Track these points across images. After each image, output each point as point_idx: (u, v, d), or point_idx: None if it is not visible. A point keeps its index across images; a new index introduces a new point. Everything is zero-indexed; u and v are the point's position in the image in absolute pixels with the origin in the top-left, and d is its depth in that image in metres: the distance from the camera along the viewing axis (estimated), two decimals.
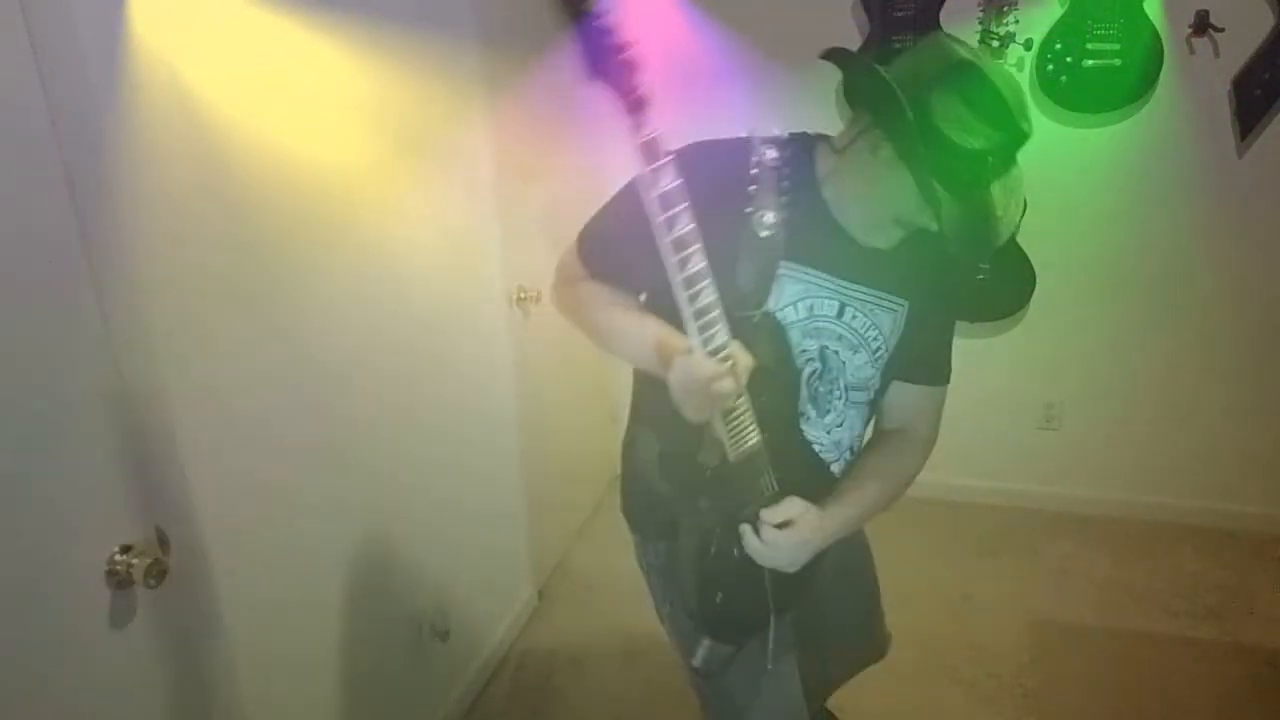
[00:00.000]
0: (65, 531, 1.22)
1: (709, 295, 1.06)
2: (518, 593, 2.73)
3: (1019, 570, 2.95)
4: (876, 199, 1.20)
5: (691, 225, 1.02)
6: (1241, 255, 2.88)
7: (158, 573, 1.29)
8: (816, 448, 1.34)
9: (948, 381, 1.42)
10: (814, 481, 1.32)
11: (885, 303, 1.31)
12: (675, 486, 1.34)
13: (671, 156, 1.00)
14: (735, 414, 1.16)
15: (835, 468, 1.37)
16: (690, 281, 1.04)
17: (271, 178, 1.53)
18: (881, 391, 1.39)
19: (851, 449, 1.39)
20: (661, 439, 1.38)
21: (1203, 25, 2.63)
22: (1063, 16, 2.69)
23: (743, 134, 1.25)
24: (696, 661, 1.38)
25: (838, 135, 1.26)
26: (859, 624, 1.70)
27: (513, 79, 2.42)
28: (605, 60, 0.95)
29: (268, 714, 1.62)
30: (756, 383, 1.15)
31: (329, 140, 1.67)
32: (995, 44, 2.68)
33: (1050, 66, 2.72)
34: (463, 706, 2.36)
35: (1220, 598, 2.79)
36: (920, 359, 1.38)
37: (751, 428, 1.20)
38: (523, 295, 2.52)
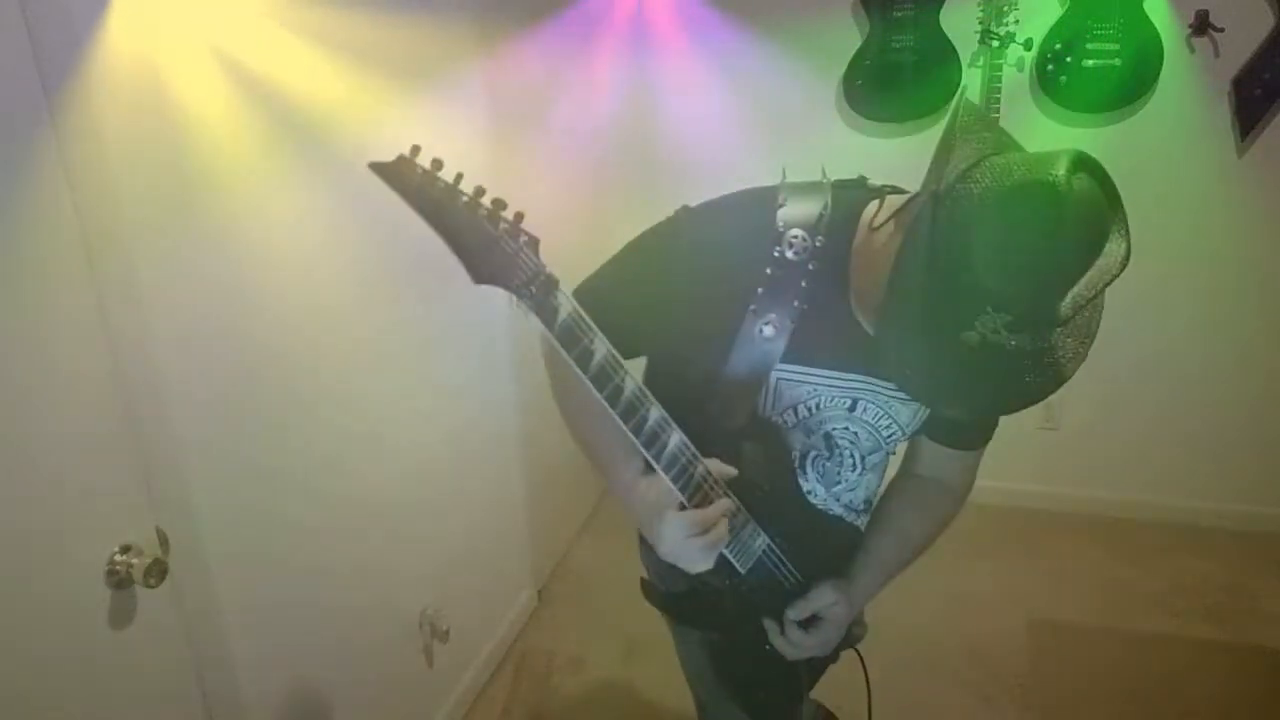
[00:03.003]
0: (65, 531, 1.22)
1: (673, 442, 0.98)
2: (518, 593, 2.73)
3: (1019, 570, 2.95)
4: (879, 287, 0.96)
5: (634, 385, 0.93)
6: (1241, 255, 2.88)
7: (158, 573, 1.29)
8: (832, 514, 1.24)
9: (988, 441, 1.25)
10: (836, 542, 1.25)
11: (904, 397, 1.14)
12: (695, 620, 1.30)
13: (596, 334, 0.90)
14: (733, 529, 1.09)
15: (857, 522, 1.28)
16: (649, 441, 0.96)
17: (270, 176, 1.53)
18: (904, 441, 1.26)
19: (868, 501, 1.28)
20: (659, 579, 1.33)
21: (1203, 25, 2.63)
22: (1063, 16, 2.69)
23: (772, 184, 1.08)
24: None
25: (883, 210, 1.02)
26: (846, 645, 1.66)
27: (510, 70, 2.42)
28: (497, 253, 0.84)
29: (267, 714, 1.62)
30: (745, 481, 1.08)
31: (328, 138, 1.67)
32: (995, 44, 2.68)
33: (1050, 66, 2.72)
34: (463, 706, 2.36)
35: (1220, 598, 2.78)
36: (957, 429, 1.23)
37: (754, 534, 1.13)
38: None
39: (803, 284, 1.03)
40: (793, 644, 1.20)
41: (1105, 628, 2.66)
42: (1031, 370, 0.88)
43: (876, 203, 1.04)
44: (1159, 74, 2.67)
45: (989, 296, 0.83)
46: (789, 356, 1.07)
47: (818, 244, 1.03)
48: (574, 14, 2.76)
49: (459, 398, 2.25)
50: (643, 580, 1.34)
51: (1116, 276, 0.86)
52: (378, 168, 0.81)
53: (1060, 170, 0.81)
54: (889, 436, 1.19)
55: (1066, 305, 0.83)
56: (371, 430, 1.88)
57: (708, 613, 1.26)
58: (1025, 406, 0.92)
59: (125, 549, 1.30)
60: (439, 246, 0.89)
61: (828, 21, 2.95)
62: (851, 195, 1.08)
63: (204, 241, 1.39)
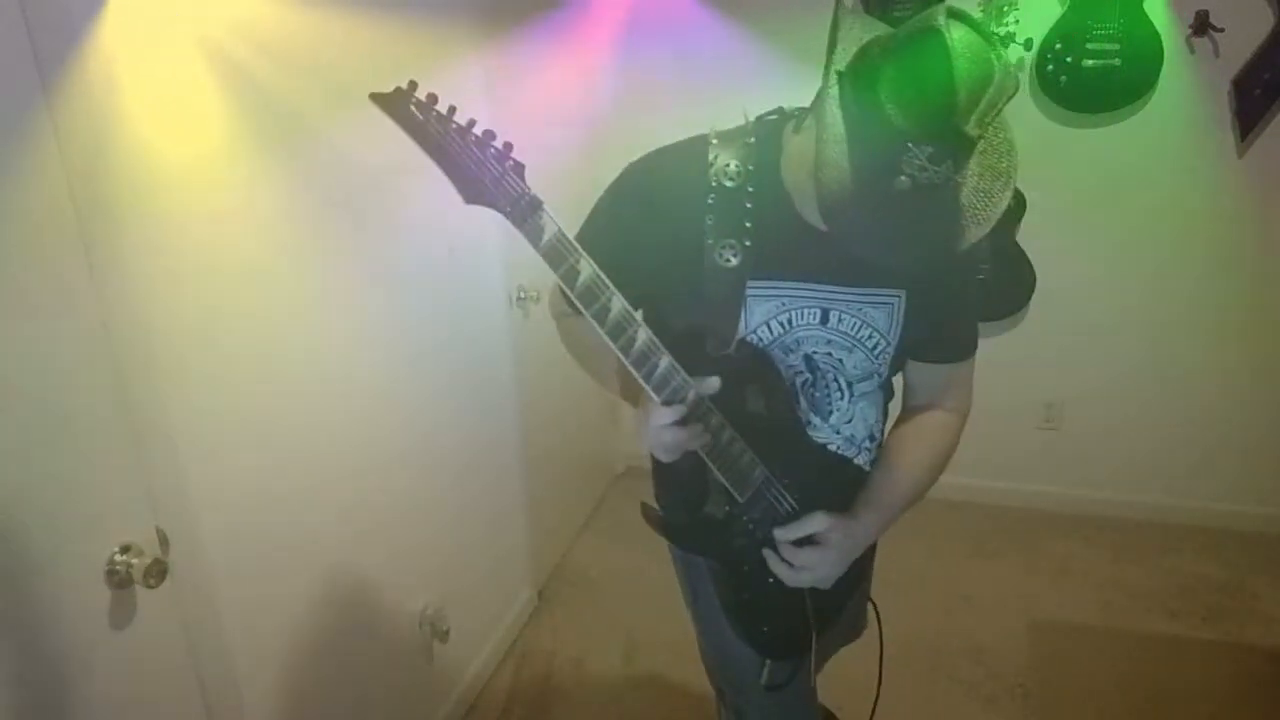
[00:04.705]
0: (65, 531, 1.22)
1: (663, 364, 1.04)
2: (518, 593, 2.73)
3: (1019, 570, 2.95)
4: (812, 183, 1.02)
5: (621, 306, 1.01)
6: (1241, 255, 2.88)
7: (158, 573, 1.29)
8: (832, 447, 1.27)
9: (973, 353, 1.30)
10: (841, 482, 1.27)
11: (875, 298, 1.19)
12: (695, 545, 1.33)
13: (581, 256, 0.98)
14: (730, 458, 1.14)
15: (859, 460, 1.30)
16: (639, 362, 1.03)
17: (271, 177, 1.53)
18: (895, 371, 1.29)
19: (871, 436, 1.31)
20: (665, 504, 1.37)
21: (1203, 25, 2.63)
22: (1063, 16, 2.69)
23: (704, 131, 1.17)
24: (763, 680, 1.35)
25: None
26: (855, 605, 1.65)
27: (511, 71, 2.42)
28: (486, 175, 0.92)
29: (267, 714, 1.62)
30: (746, 414, 1.12)
31: (330, 138, 1.67)
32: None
33: (1050, 66, 2.72)
34: (463, 706, 2.36)
35: (1220, 598, 2.78)
36: (936, 340, 1.26)
37: (752, 464, 1.17)
38: (522, 295, 2.52)
39: (747, 205, 1.12)
40: (788, 563, 1.20)
41: (1105, 628, 2.66)
42: (965, 204, 1.00)
43: (794, 120, 1.15)
44: (1159, 74, 2.67)
45: (905, 134, 0.93)
46: (753, 274, 1.14)
47: (750, 169, 1.13)
48: (575, 10, 2.76)
49: (459, 399, 2.25)
50: (643, 505, 1.35)
51: (1012, 97, 0.98)
52: (377, 98, 0.91)
53: (940, 19, 0.95)
54: (874, 349, 1.22)
55: (973, 125, 0.93)
56: (372, 430, 1.88)
57: (706, 540, 1.28)
58: (974, 241, 1.01)
59: (125, 549, 1.30)
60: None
61: (828, 21, 2.94)
62: (772, 123, 1.19)
63: (204, 241, 1.39)
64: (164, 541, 1.36)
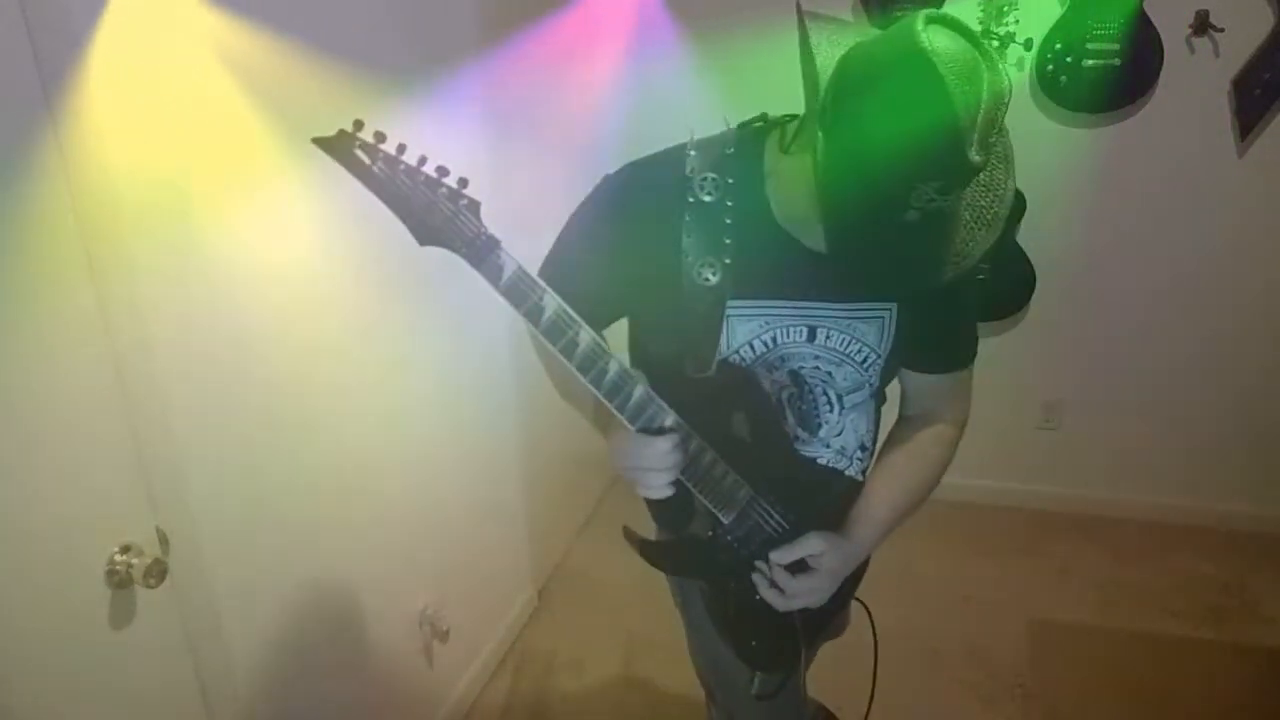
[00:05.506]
0: (65, 531, 1.22)
1: (638, 393, 1.02)
2: (518, 593, 2.73)
3: (1019, 570, 2.95)
4: (808, 206, 0.99)
5: (590, 339, 0.98)
6: (1241, 255, 2.88)
7: (158, 573, 1.29)
8: (822, 460, 1.24)
9: (971, 361, 1.25)
10: (833, 494, 1.25)
11: (864, 314, 1.15)
12: (680, 570, 1.31)
13: (545, 291, 0.95)
14: (712, 480, 1.11)
15: (851, 471, 1.27)
16: (611, 393, 1.01)
17: (271, 178, 1.53)
18: (889, 380, 1.25)
19: (863, 446, 1.27)
20: (655, 524, 1.36)
21: (1203, 25, 2.63)
22: (1063, 16, 2.69)
23: (684, 139, 1.12)
24: (754, 690, 1.33)
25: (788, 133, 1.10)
26: (841, 605, 1.64)
27: (508, 69, 2.42)
28: (436, 216, 0.89)
29: (267, 714, 1.62)
30: (730, 434, 1.10)
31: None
32: (995, 44, 2.68)
33: (1050, 66, 2.71)
34: (463, 706, 2.36)
35: (1220, 598, 2.79)
36: (933, 350, 1.22)
37: (737, 485, 1.13)
38: None
39: (726, 220, 1.07)
40: (780, 590, 1.18)
41: (1105, 628, 2.66)
42: (974, 204, 0.96)
43: (779, 131, 1.09)
44: (1159, 74, 2.67)
45: (910, 175, 0.88)
46: (735, 293, 1.10)
47: (730, 182, 1.08)
48: (574, 15, 2.76)
49: (459, 398, 2.25)
50: (625, 529, 1.32)
51: (1008, 103, 0.90)
52: (320, 142, 0.86)
53: (919, 37, 0.87)
54: (864, 363, 1.18)
55: (976, 150, 0.87)
56: (371, 430, 1.88)
57: (692, 564, 1.27)
58: (986, 247, 0.97)
59: (125, 549, 1.30)
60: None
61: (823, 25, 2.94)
62: (753, 131, 1.13)
63: (204, 242, 1.39)
64: (164, 541, 1.36)
